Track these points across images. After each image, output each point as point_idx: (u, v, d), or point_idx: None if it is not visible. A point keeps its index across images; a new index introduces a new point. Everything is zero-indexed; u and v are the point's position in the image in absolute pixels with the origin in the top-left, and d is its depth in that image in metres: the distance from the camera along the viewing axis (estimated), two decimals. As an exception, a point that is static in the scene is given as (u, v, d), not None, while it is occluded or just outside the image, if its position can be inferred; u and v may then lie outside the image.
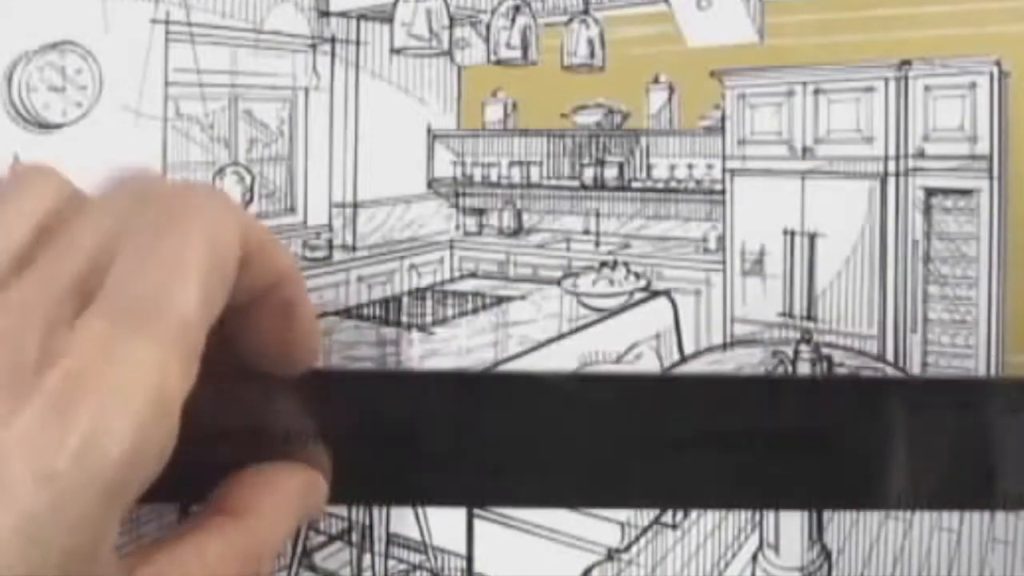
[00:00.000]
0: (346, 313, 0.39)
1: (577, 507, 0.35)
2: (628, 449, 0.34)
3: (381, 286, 0.39)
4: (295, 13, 0.37)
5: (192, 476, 0.26)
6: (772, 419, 0.34)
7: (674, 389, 0.35)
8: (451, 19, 0.38)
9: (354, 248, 0.38)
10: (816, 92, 0.37)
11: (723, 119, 0.37)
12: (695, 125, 0.38)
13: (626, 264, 0.38)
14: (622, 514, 0.36)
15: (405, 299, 0.39)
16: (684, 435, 0.34)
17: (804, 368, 0.38)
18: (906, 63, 0.36)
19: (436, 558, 0.36)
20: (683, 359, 0.38)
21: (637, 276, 0.38)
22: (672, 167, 0.38)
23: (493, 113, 0.38)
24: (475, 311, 0.39)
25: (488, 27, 0.38)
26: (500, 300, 0.39)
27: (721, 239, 0.38)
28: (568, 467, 0.34)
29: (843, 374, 0.36)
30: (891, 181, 0.37)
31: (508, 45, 0.38)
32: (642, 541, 0.36)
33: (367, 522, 0.37)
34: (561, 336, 0.38)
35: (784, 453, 0.34)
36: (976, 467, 0.35)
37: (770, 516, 0.36)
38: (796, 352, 0.38)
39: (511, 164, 0.38)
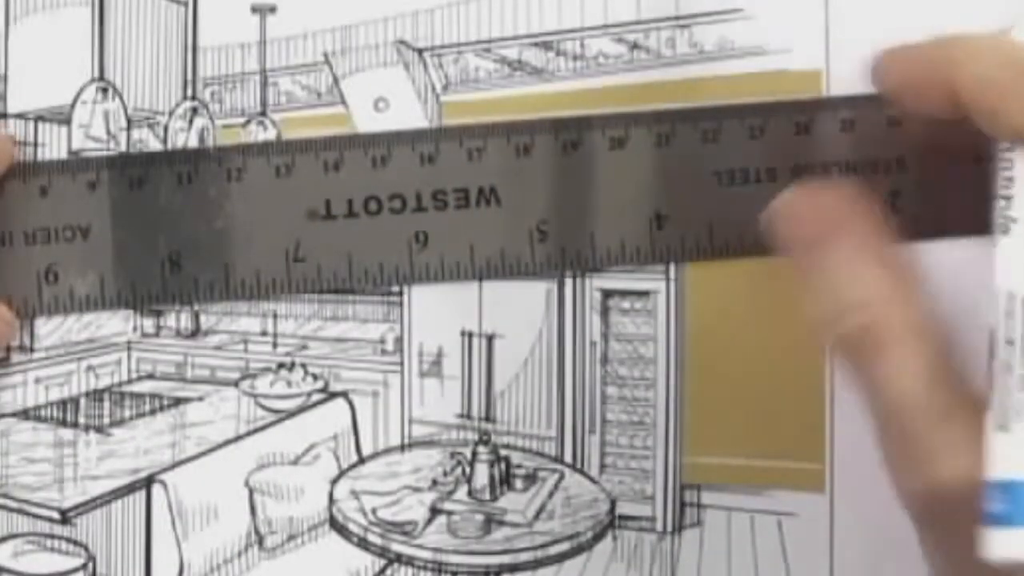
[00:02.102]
0: (23, 415, 0.38)
1: None
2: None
3: (58, 387, 0.38)
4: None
5: None
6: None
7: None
8: (129, 121, 0.38)
9: (31, 349, 0.38)
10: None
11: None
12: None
13: (304, 365, 0.38)
14: None
15: (83, 400, 0.38)
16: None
17: (482, 469, 0.38)
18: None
19: None
20: (361, 460, 0.38)
21: (315, 377, 0.38)
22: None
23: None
24: (153, 412, 0.38)
25: (166, 129, 0.38)
26: (178, 401, 0.39)
27: (399, 340, 0.38)
28: None
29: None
30: (568, 283, 0.37)
31: (185, 147, 0.38)
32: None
33: None
34: (239, 437, 0.38)
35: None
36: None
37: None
38: (474, 453, 0.38)
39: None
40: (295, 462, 0.38)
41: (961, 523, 0.25)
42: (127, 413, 0.38)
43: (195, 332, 0.38)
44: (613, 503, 0.37)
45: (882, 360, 0.27)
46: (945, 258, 0.37)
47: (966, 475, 0.25)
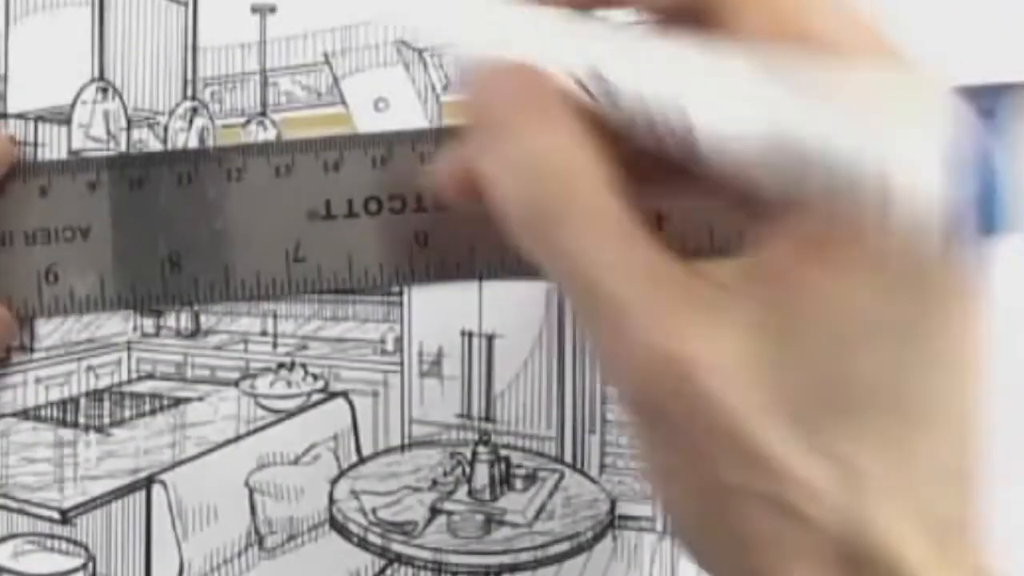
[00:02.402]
0: (23, 415, 0.38)
1: None
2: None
3: (58, 387, 0.38)
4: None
5: None
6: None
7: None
8: (129, 121, 0.38)
9: (31, 349, 0.38)
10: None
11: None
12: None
13: (304, 366, 0.38)
14: None
15: (83, 400, 0.38)
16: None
17: (482, 469, 0.38)
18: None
19: None
20: (361, 460, 0.38)
21: (315, 377, 0.38)
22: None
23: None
24: (153, 412, 0.38)
25: (166, 129, 0.38)
26: (178, 401, 0.38)
27: (399, 340, 0.38)
28: None
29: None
30: (568, 283, 0.37)
31: (185, 147, 0.38)
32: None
33: None
34: (239, 437, 0.38)
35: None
36: None
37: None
38: (474, 453, 0.38)
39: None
40: (295, 462, 0.38)
41: (683, 389, 0.23)
42: (127, 413, 0.38)
43: (195, 332, 0.38)
44: (613, 503, 0.37)
45: (572, 229, 0.24)
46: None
47: (691, 342, 0.23)
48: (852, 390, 0.23)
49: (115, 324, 0.38)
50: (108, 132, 0.38)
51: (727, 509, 0.24)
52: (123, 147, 0.38)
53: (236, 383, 0.38)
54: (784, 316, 0.23)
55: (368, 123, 0.38)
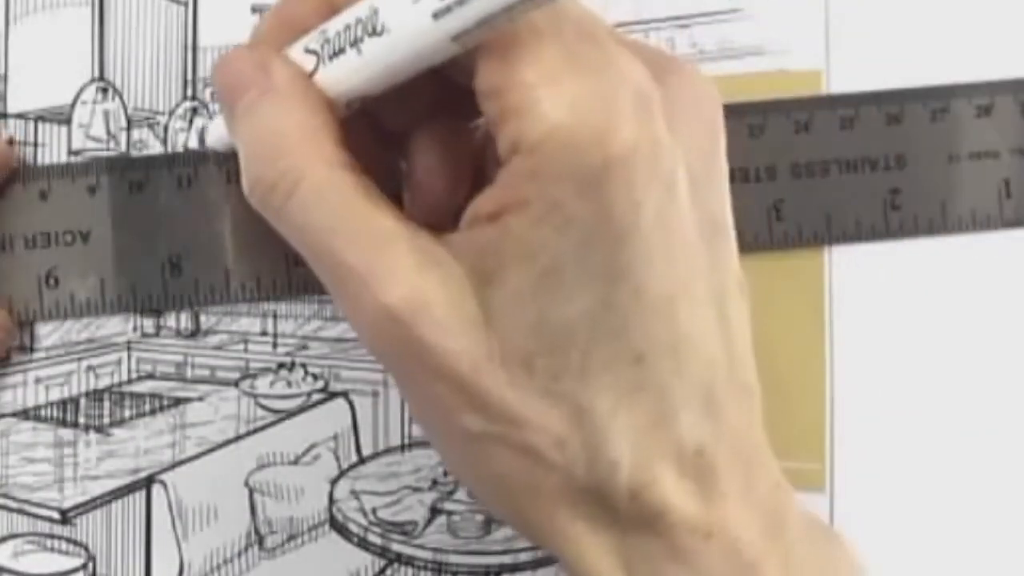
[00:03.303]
0: (23, 415, 0.38)
1: None
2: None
3: (58, 387, 0.38)
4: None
5: None
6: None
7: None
8: (129, 121, 0.38)
9: (31, 349, 0.38)
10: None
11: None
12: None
13: (304, 365, 0.38)
14: None
15: (83, 400, 0.38)
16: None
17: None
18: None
19: None
20: (361, 460, 0.38)
21: (315, 377, 0.38)
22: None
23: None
24: (153, 412, 0.38)
25: (166, 129, 0.38)
26: (178, 401, 0.38)
27: (399, 340, 0.38)
28: None
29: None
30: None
31: (185, 147, 0.38)
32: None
33: None
34: (239, 437, 0.38)
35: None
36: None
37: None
38: (472, 453, 0.38)
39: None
40: (295, 462, 0.38)
41: (410, 342, 0.25)
42: (127, 413, 0.38)
43: (195, 332, 0.38)
44: (613, 503, 0.37)
45: (301, 203, 0.26)
46: (944, 256, 0.37)
47: (410, 297, 0.25)
48: (569, 333, 0.24)
49: (115, 324, 0.38)
50: (108, 132, 0.38)
51: (479, 455, 0.26)
52: (123, 147, 0.38)
53: (236, 383, 0.38)
54: (492, 261, 0.24)
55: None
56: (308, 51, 0.28)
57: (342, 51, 0.27)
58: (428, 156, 0.30)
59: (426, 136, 0.30)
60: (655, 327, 0.25)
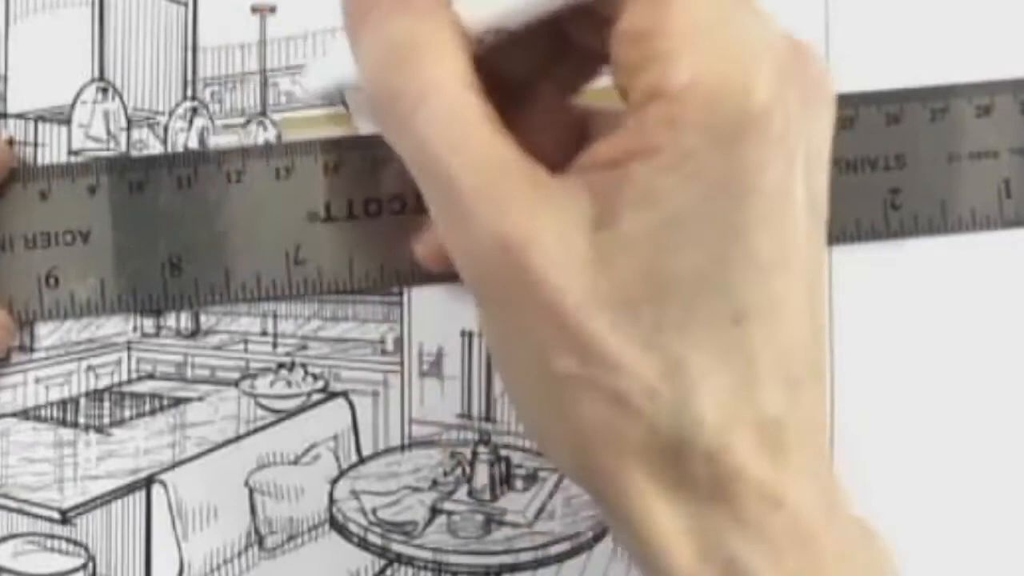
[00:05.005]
0: (23, 415, 0.38)
1: None
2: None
3: (58, 387, 0.38)
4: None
5: None
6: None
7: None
8: (129, 121, 0.38)
9: (31, 349, 0.38)
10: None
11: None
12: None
13: (304, 365, 0.38)
14: None
15: (83, 400, 0.38)
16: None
17: (483, 469, 0.38)
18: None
19: None
20: (361, 460, 0.38)
21: (315, 377, 0.38)
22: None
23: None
24: (153, 412, 0.38)
25: (166, 129, 0.38)
26: (178, 401, 0.39)
27: (399, 340, 0.38)
28: None
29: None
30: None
31: (185, 147, 0.38)
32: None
33: None
34: (239, 437, 0.38)
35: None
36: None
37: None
38: (475, 453, 0.38)
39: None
40: (295, 462, 0.38)
41: (517, 272, 0.24)
42: (127, 413, 0.38)
43: (195, 332, 0.38)
44: (613, 503, 0.37)
45: (426, 115, 0.25)
46: (944, 256, 0.37)
47: (524, 227, 0.24)
48: (677, 284, 0.24)
49: (115, 324, 0.38)
50: (108, 132, 0.38)
51: (562, 398, 0.25)
52: (123, 147, 0.38)
53: (236, 383, 0.38)
54: (608, 206, 0.24)
55: (368, 124, 0.38)
56: None
57: None
58: (530, 120, 0.29)
59: (529, 100, 0.30)
60: (757, 291, 0.24)
